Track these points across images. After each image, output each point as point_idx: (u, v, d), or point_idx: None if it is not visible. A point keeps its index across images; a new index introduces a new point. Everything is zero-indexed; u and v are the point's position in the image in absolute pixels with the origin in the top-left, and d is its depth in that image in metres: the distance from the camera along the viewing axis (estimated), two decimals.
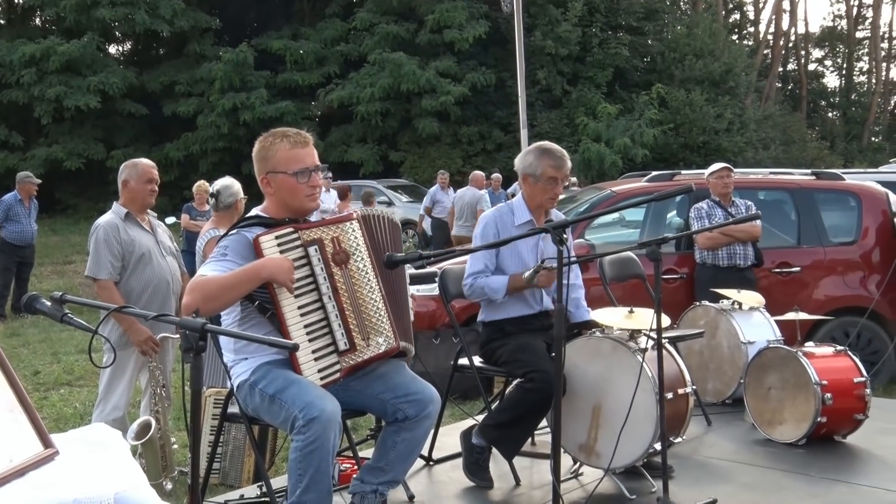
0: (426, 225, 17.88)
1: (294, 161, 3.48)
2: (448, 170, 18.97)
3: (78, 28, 27.35)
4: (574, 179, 20.58)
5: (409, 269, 5.69)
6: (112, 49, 31.91)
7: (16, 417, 2.26)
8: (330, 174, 16.19)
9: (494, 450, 4.52)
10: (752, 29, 48.63)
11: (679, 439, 4.52)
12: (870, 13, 47.93)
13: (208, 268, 3.34)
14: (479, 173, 16.50)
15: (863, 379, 5.12)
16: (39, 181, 12.21)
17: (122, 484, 2.16)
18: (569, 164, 4.57)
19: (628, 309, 4.41)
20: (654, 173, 7.96)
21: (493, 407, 4.68)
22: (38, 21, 31.98)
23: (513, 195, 13.56)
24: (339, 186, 15.74)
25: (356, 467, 4.15)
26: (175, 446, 5.09)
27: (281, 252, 3.36)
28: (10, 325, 11.19)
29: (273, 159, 3.51)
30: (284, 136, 3.54)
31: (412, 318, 3.78)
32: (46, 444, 2.26)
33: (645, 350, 4.21)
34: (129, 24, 27.69)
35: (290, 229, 3.42)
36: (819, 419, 4.99)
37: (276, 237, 3.37)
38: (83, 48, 26.34)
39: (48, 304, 2.59)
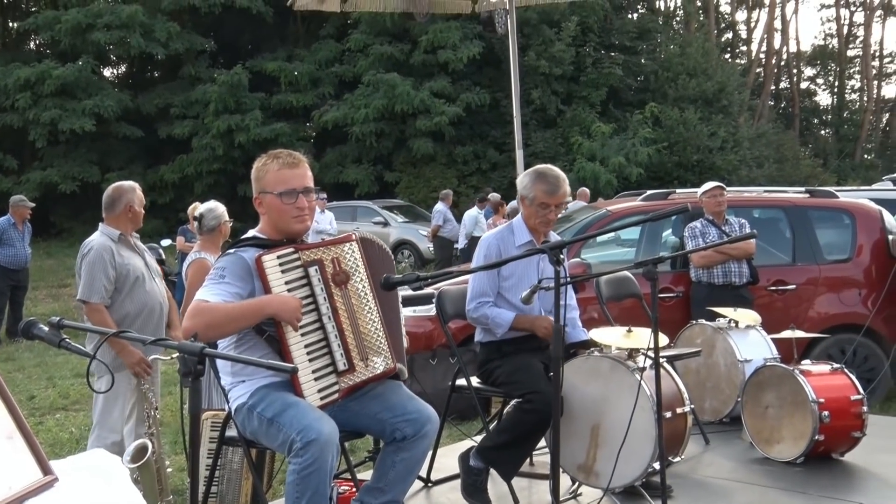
0: (429, 245, 18.01)
1: (280, 182, 3.49)
2: (442, 189, 19.04)
3: (73, 51, 27.41)
4: (569, 199, 20.62)
5: (407, 290, 5.71)
6: (107, 72, 31.96)
7: (14, 444, 2.24)
8: (324, 195, 16.20)
9: (493, 471, 4.51)
10: (744, 48, 48.96)
11: (678, 458, 4.52)
12: (861, 32, 48.30)
13: (207, 291, 3.33)
14: (496, 195, 16.89)
15: (860, 396, 5.12)
16: (33, 205, 12.16)
17: None
18: (565, 189, 4.54)
19: (626, 328, 4.42)
20: (649, 192, 7.98)
21: (490, 427, 4.67)
22: (32, 45, 32.05)
23: (509, 214, 13.60)
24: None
25: (355, 489, 4.13)
26: (169, 470, 5.07)
27: (282, 272, 3.36)
28: (5, 349, 11.14)
29: (263, 180, 3.53)
30: (276, 157, 3.56)
31: (405, 339, 3.79)
32: (46, 470, 2.25)
33: (643, 369, 4.22)
34: (124, 47, 27.72)
35: (291, 249, 3.43)
36: (816, 437, 4.99)
37: (278, 257, 3.38)
38: (78, 71, 26.39)
39: (46, 329, 2.58)
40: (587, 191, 17.27)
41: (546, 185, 4.50)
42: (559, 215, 4.73)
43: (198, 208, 5.75)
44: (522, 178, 4.63)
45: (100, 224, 5.05)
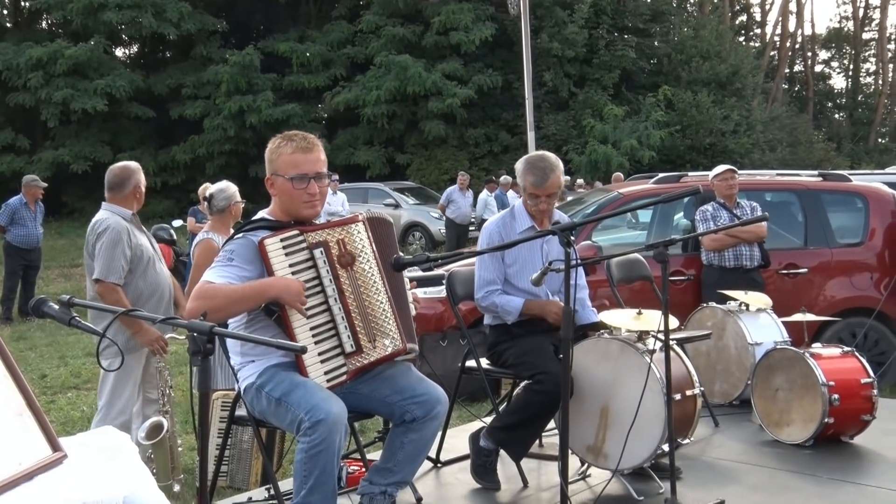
0: (440, 225, 18.14)
1: (293, 166, 3.47)
2: (453, 172, 19.04)
3: (84, 31, 27.45)
4: (581, 181, 20.61)
5: (417, 272, 5.71)
6: (119, 52, 32.01)
7: (24, 421, 2.26)
8: (336, 177, 16.23)
9: (502, 452, 4.52)
10: (758, 30, 48.68)
11: (687, 440, 4.51)
12: (877, 14, 47.91)
13: (215, 273, 3.34)
14: (508, 178, 17.03)
15: (870, 380, 5.11)
16: (45, 185, 12.20)
17: (130, 487, 2.17)
18: (554, 180, 4.45)
19: (636, 310, 4.41)
20: (661, 175, 7.95)
21: (500, 409, 4.67)
22: (44, 24, 32.11)
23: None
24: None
25: (364, 470, 4.15)
26: (180, 449, 5.10)
27: (286, 254, 3.36)
28: (17, 328, 11.21)
29: (276, 162, 3.52)
30: (290, 139, 3.54)
31: (413, 318, 3.77)
32: (55, 447, 2.26)
33: (653, 351, 4.21)
34: (136, 27, 27.73)
35: (296, 231, 3.42)
36: (826, 420, 4.98)
37: (282, 240, 3.37)
38: (90, 51, 26.43)
39: (56, 307, 2.59)
40: (621, 175, 17.39)
41: (533, 177, 4.45)
42: (569, 199, 4.71)
43: (208, 189, 5.73)
44: (517, 166, 4.61)
45: (104, 203, 4.99)
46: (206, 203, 5.71)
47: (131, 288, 4.84)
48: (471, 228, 17.25)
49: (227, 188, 5.67)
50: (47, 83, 26.23)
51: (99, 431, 2.49)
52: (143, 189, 5.06)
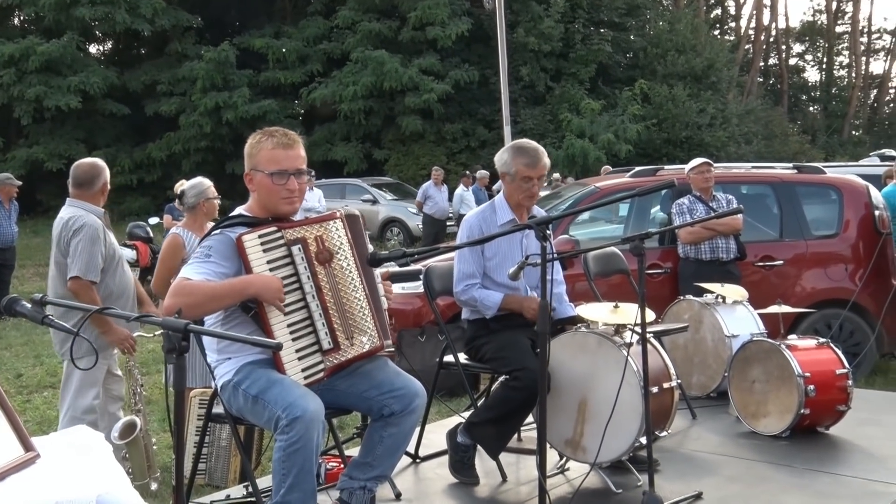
0: (419, 220, 18.16)
1: (273, 162, 3.45)
2: (440, 167, 18.99)
3: (57, 27, 27.18)
4: (557, 175, 20.65)
5: (394, 267, 5.70)
6: (92, 48, 31.74)
7: None
8: (312, 173, 16.16)
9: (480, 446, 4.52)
10: (733, 24, 48.94)
11: (664, 433, 4.53)
12: (849, 8, 48.33)
13: (192, 270, 3.31)
14: (485, 172, 17.08)
15: (845, 371, 5.15)
16: (20, 183, 12.08)
17: (104, 486, 2.15)
18: (545, 161, 4.52)
19: (613, 304, 4.42)
20: (638, 168, 7.98)
21: (478, 404, 4.67)
22: (16, 21, 31.75)
23: (499, 191, 13.61)
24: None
25: (342, 466, 4.14)
26: (155, 447, 5.07)
27: (264, 251, 3.34)
28: None
29: (256, 157, 3.50)
30: (271, 135, 3.52)
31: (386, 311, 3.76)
32: (27, 447, 2.24)
33: (630, 345, 4.22)
34: (110, 23, 27.51)
35: (274, 228, 3.41)
36: (802, 411, 5.01)
37: (260, 236, 3.35)
38: (63, 48, 26.19)
39: (28, 306, 2.57)
40: (609, 167, 17.50)
41: (526, 158, 4.48)
42: (545, 193, 4.72)
43: (181, 186, 5.70)
44: (501, 155, 4.61)
45: (71, 200, 4.90)
46: (177, 200, 5.66)
47: (102, 287, 4.80)
48: (448, 224, 17.24)
49: (198, 184, 5.61)
50: (20, 80, 25.99)
51: (72, 430, 2.47)
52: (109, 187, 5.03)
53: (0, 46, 26.05)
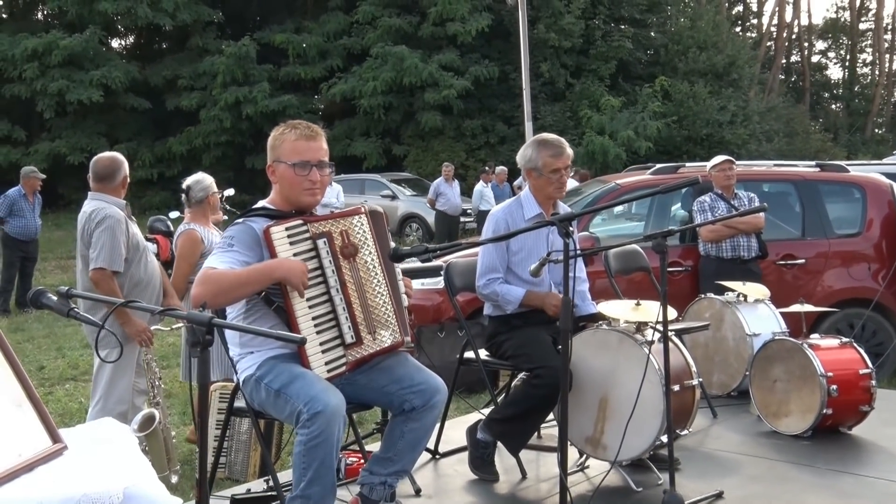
0: (430, 218, 18.07)
1: (295, 153, 3.48)
2: (451, 163, 18.95)
3: (80, 22, 27.36)
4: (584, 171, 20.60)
5: (415, 263, 5.70)
6: (114, 43, 31.94)
7: (24, 412, 2.26)
8: (334, 165, 16.19)
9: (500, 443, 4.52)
10: (755, 21, 48.63)
11: (685, 432, 4.52)
12: (873, 4, 47.85)
13: (216, 259, 3.34)
14: (503, 168, 17.05)
15: (868, 370, 5.11)
16: (44, 176, 12.20)
17: (130, 479, 2.16)
18: (569, 151, 4.56)
19: (635, 302, 4.40)
20: (659, 166, 7.94)
21: (498, 400, 4.67)
22: (39, 15, 32.01)
23: (519, 188, 13.58)
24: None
25: (363, 461, 4.15)
26: (174, 440, 5.09)
27: (291, 244, 3.36)
28: (15, 320, 11.19)
29: (279, 149, 3.52)
30: (294, 127, 3.55)
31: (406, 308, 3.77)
32: (55, 438, 2.26)
33: (651, 342, 4.21)
34: (132, 17, 27.67)
35: (300, 221, 3.42)
36: (825, 411, 4.98)
37: (287, 229, 3.37)
38: (85, 42, 26.36)
39: (54, 298, 2.59)
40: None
41: (551, 150, 4.50)
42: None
43: (186, 181, 5.73)
44: (524, 152, 4.61)
45: (93, 193, 4.97)
46: (184, 196, 5.68)
47: (128, 276, 4.85)
48: (462, 219, 17.20)
49: (203, 179, 5.69)
50: (43, 74, 26.17)
51: (98, 423, 2.48)
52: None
53: (23, 41, 26.24)
